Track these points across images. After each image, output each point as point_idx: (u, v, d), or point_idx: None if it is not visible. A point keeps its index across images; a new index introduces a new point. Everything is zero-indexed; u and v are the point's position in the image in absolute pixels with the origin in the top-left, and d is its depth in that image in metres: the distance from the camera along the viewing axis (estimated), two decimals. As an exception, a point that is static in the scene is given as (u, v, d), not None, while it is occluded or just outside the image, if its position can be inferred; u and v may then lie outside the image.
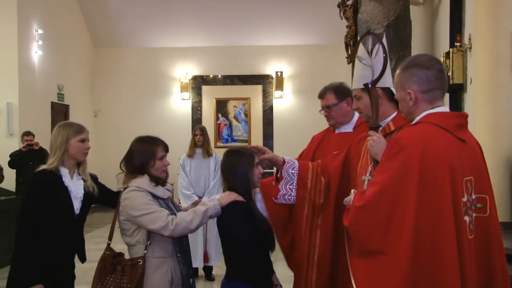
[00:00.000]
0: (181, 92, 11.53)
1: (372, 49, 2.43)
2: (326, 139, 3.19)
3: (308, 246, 2.80)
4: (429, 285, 1.88)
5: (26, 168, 6.68)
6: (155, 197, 2.65)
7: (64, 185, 2.81)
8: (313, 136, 3.35)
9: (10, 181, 7.43)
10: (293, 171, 2.80)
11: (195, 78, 11.59)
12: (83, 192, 2.89)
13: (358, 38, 5.99)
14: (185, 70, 11.54)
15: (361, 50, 2.47)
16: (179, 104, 11.61)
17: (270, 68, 11.48)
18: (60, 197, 2.79)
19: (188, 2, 10.67)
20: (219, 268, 5.82)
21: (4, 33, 8.52)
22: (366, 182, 2.33)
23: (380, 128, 2.35)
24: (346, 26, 7.22)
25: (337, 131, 3.12)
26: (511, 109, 5.38)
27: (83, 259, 3.01)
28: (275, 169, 2.90)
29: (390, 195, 1.94)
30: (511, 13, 5.39)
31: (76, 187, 2.87)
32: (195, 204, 5.43)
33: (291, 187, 2.79)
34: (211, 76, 11.58)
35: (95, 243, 7.81)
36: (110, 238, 2.74)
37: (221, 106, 11.53)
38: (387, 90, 2.45)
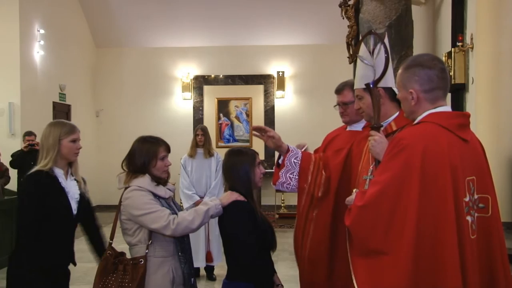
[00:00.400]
0: (182, 92, 11.53)
1: (373, 49, 2.42)
2: (338, 136, 3.16)
3: (301, 237, 2.82)
4: (430, 285, 1.88)
5: (28, 168, 6.58)
6: (156, 196, 2.65)
7: (61, 186, 2.81)
8: (328, 134, 3.32)
9: (11, 181, 7.45)
10: (295, 161, 2.81)
11: (196, 78, 11.59)
12: (78, 192, 2.90)
13: (360, 38, 5.99)
14: (186, 70, 11.54)
15: (362, 50, 2.47)
16: (181, 104, 11.61)
17: (271, 68, 11.47)
18: (59, 198, 2.79)
19: (190, 2, 10.67)
20: (221, 268, 5.82)
21: (6, 33, 8.53)
22: (367, 182, 2.33)
23: (382, 128, 2.35)
24: (348, 26, 7.22)
25: (348, 128, 3.11)
26: (513, 109, 5.37)
27: (74, 262, 3.01)
28: (277, 154, 2.92)
29: (391, 195, 1.94)
30: (513, 12, 5.38)
31: (72, 188, 2.87)
32: (196, 204, 5.43)
33: (291, 176, 2.81)
34: (212, 76, 11.58)
35: (96, 243, 7.83)
36: (111, 237, 2.75)
37: (222, 106, 11.53)
38: (389, 90, 2.45)
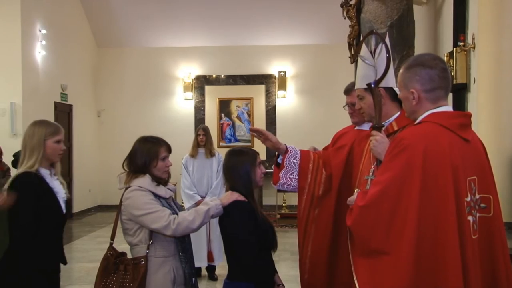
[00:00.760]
0: (184, 92, 11.54)
1: (375, 49, 2.42)
2: (345, 134, 3.15)
3: (303, 238, 2.81)
4: (431, 285, 1.87)
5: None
6: (157, 196, 2.65)
7: (49, 186, 2.80)
8: (337, 132, 3.30)
9: (13, 181, 7.45)
10: (294, 161, 2.81)
11: (198, 78, 11.60)
12: (64, 192, 2.90)
13: (361, 38, 5.98)
14: (188, 70, 11.55)
15: (364, 50, 2.46)
16: (182, 104, 11.62)
17: (273, 68, 11.48)
18: (49, 198, 2.78)
19: (191, 2, 10.68)
20: (222, 268, 5.82)
21: (7, 33, 8.54)
22: (369, 182, 2.33)
23: (383, 128, 2.35)
24: (349, 25, 7.21)
25: (357, 128, 3.10)
26: (515, 109, 5.35)
27: (65, 261, 3.00)
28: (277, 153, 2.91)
29: (392, 195, 1.93)
30: (515, 12, 5.37)
31: (58, 188, 2.86)
32: (197, 204, 5.44)
33: (291, 176, 2.82)
34: (214, 76, 11.58)
35: (98, 243, 7.83)
36: (112, 237, 2.75)
37: (224, 106, 11.53)
38: (390, 90, 2.44)
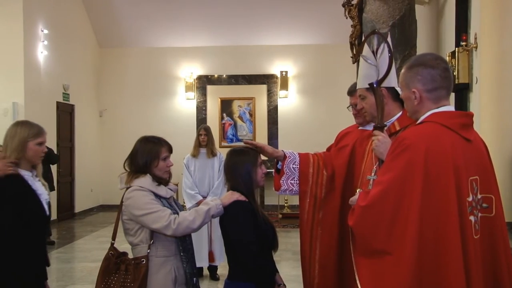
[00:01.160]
0: (186, 91, 11.55)
1: (377, 49, 2.42)
2: (348, 134, 3.14)
3: (309, 242, 2.79)
4: (433, 285, 1.87)
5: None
6: (157, 196, 2.65)
7: (31, 188, 2.75)
8: (340, 131, 3.28)
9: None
10: (294, 166, 2.80)
11: (200, 78, 11.60)
12: (47, 193, 2.85)
13: (363, 37, 5.98)
14: (190, 70, 11.56)
15: (366, 49, 2.46)
16: (184, 103, 11.63)
17: (275, 68, 11.48)
18: (33, 200, 2.74)
19: (193, 2, 10.69)
20: (224, 268, 5.81)
21: (10, 33, 8.56)
22: (371, 182, 2.33)
23: (385, 128, 2.35)
24: (351, 25, 7.21)
25: (360, 128, 3.09)
26: (517, 109, 5.35)
27: (48, 263, 2.97)
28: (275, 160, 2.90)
29: (394, 195, 1.93)
30: (517, 12, 5.36)
31: (41, 190, 2.82)
32: (199, 203, 5.44)
33: (292, 182, 2.80)
34: (216, 75, 11.59)
35: (99, 243, 7.84)
36: (113, 237, 2.75)
37: (226, 105, 11.54)
38: (392, 90, 2.44)
